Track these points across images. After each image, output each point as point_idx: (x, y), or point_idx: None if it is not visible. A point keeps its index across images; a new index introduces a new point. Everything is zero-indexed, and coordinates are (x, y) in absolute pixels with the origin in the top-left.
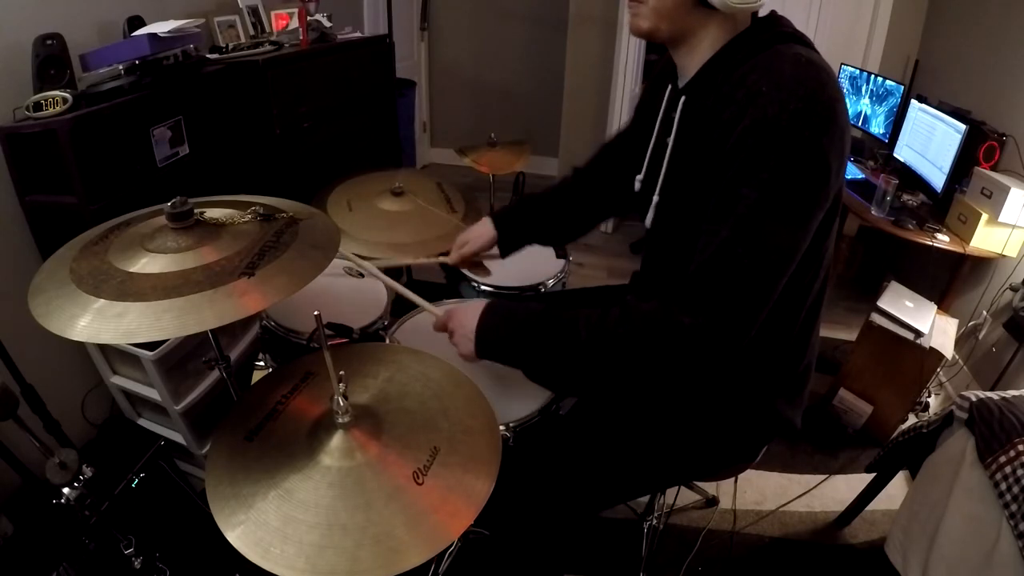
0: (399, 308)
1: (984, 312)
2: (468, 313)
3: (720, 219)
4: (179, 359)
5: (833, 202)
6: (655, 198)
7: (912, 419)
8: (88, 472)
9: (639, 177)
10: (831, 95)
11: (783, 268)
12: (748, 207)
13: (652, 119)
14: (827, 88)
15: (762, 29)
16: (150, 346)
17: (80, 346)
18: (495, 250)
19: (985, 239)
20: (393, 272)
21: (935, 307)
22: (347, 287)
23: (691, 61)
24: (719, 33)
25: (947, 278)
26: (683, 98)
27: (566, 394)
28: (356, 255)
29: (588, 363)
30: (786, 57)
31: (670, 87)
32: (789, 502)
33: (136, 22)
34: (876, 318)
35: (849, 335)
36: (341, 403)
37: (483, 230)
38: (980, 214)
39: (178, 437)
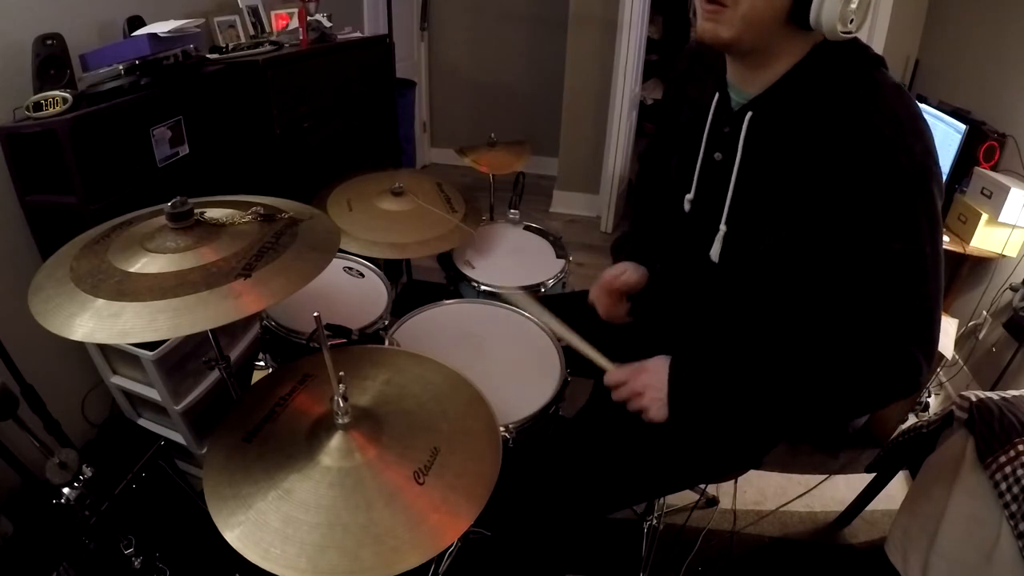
0: (399, 308)
1: (984, 312)
2: (654, 373)
3: (880, 272)
4: (179, 359)
5: None
6: (722, 227)
7: (912, 419)
8: (88, 472)
9: (688, 197)
10: (928, 126)
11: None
12: (916, 252)
13: (691, 126)
14: (925, 120)
15: (845, 48)
16: (150, 346)
17: (80, 346)
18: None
19: (985, 239)
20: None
21: None
22: (347, 287)
23: (758, 75)
24: (799, 49)
25: (947, 278)
26: (749, 114)
27: (759, 435)
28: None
29: (801, 406)
30: (889, 90)
31: (718, 95)
32: (789, 502)
33: (136, 22)
34: None
35: None
36: (341, 404)
37: (621, 265)
38: (980, 214)
39: (178, 437)
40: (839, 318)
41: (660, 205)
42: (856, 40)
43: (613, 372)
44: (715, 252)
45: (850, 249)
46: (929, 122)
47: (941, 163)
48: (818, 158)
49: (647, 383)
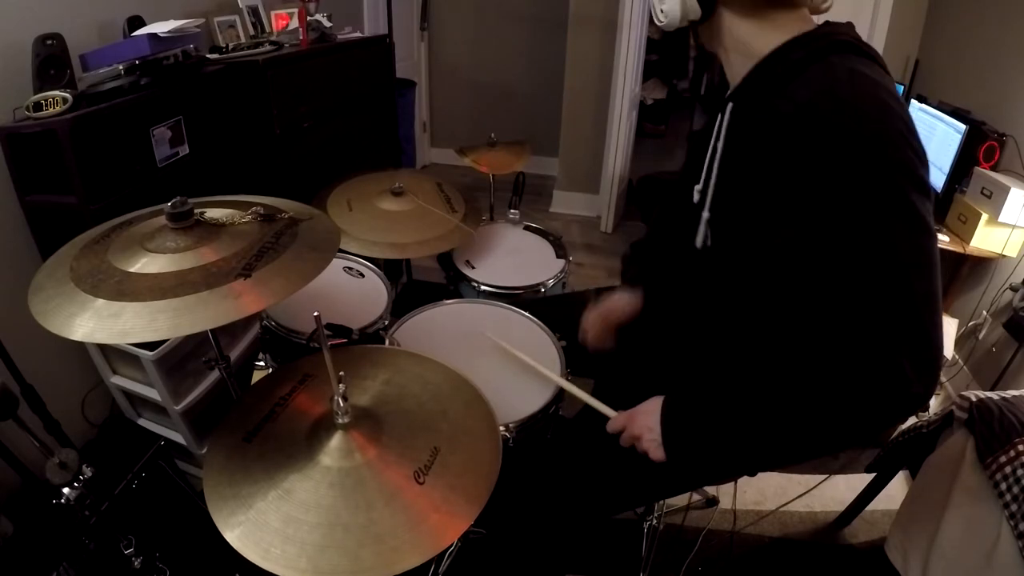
0: (399, 308)
1: (984, 312)
2: (648, 415)
3: (843, 269)
4: (179, 359)
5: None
6: (705, 214)
7: (912, 419)
8: (88, 472)
9: (697, 187)
10: (899, 111)
11: (939, 276)
12: (882, 244)
13: (710, 118)
14: (893, 105)
15: (817, 37)
16: (150, 346)
17: (80, 346)
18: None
19: (985, 239)
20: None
21: None
22: (347, 287)
23: (737, 66)
24: (770, 39)
25: (947, 278)
26: (729, 105)
27: (761, 467)
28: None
29: (792, 431)
30: (841, 72)
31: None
32: (789, 502)
33: (136, 22)
34: None
35: None
36: (341, 403)
37: (620, 296)
38: (980, 214)
39: (178, 437)
40: (815, 323)
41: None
42: (830, 29)
43: (613, 420)
44: (699, 239)
45: (808, 243)
46: (929, 122)
47: (941, 163)
48: (771, 146)
49: (643, 425)
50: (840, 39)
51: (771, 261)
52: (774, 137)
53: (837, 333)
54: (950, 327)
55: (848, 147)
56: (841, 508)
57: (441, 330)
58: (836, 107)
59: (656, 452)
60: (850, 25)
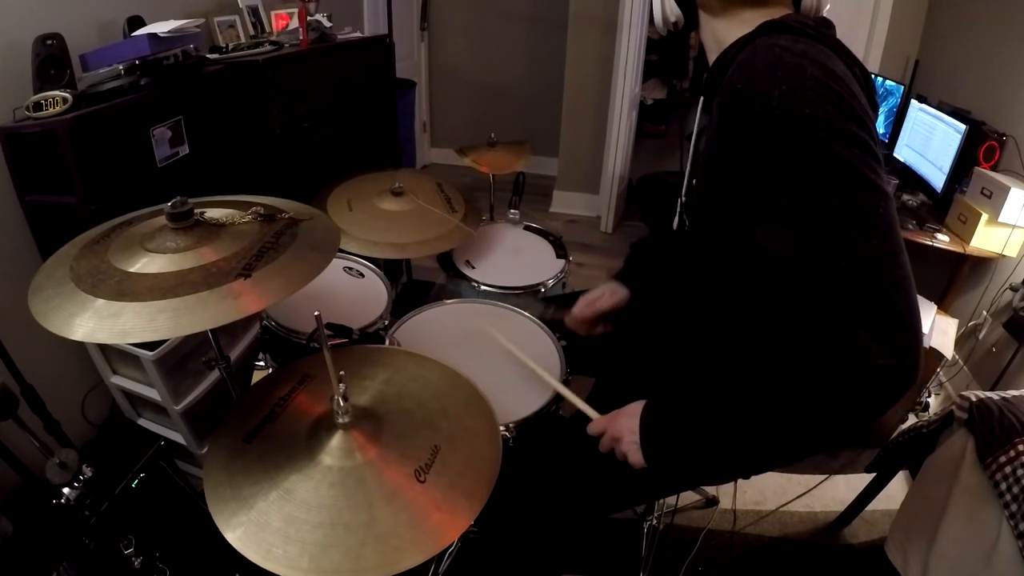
0: (399, 308)
1: (984, 312)
2: (629, 417)
3: (777, 234)
4: (179, 359)
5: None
6: (681, 199)
7: (912, 419)
8: (88, 472)
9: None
10: (815, 73)
11: (897, 236)
12: (813, 206)
13: None
14: (809, 68)
15: (761, 25)
16: (150, 346)
17: (80, 346)
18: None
19: (985, 239)
20: (390, 266)
21: (935, 307)
22: (347, 287)
23: (711, 62)
24: (730, 33)
25: (947, 278)
26: (701, 99)
27: (751, 470)
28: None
29: (776, 425)
30: (761, 49)
31: None
32: (789, 502)
33: (136, 22)
34: None
35: None
36: (341, 403)
37: (612, 287)
38: (980, 214)
39: (178, 437)
40: (769, 301)
41: None
42: (783, 18)
43: (594, 422)
44: (675, 221)
45: (748, 216)
46: (929, 122)
47: (941, 163)
48: (714, 129)
49: (623, 427)
50: (775, 22)
51: (725, 241)
52: (715, 120)
53: (789, 307)
54: (950, 327)
55: (761, 113)
56: (841, 508)
57: (441, 330)
58: (749, 79)
59: (635, 456)
60: (824, 21)
